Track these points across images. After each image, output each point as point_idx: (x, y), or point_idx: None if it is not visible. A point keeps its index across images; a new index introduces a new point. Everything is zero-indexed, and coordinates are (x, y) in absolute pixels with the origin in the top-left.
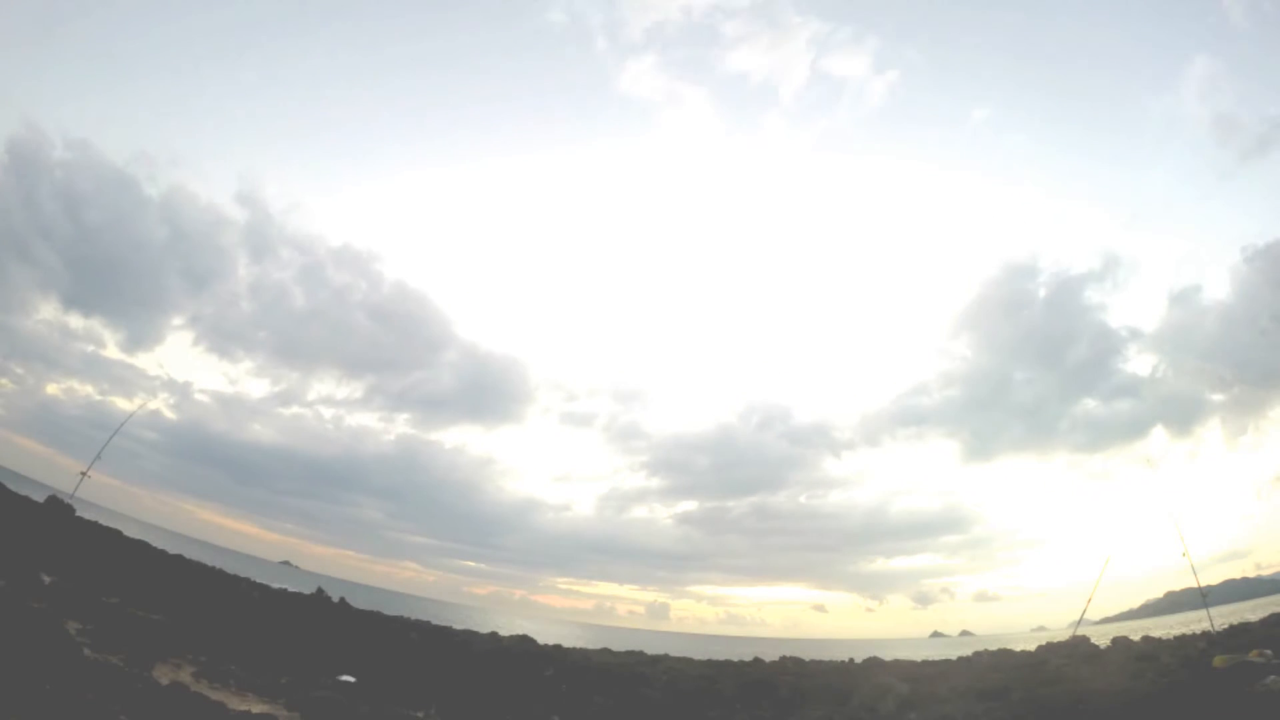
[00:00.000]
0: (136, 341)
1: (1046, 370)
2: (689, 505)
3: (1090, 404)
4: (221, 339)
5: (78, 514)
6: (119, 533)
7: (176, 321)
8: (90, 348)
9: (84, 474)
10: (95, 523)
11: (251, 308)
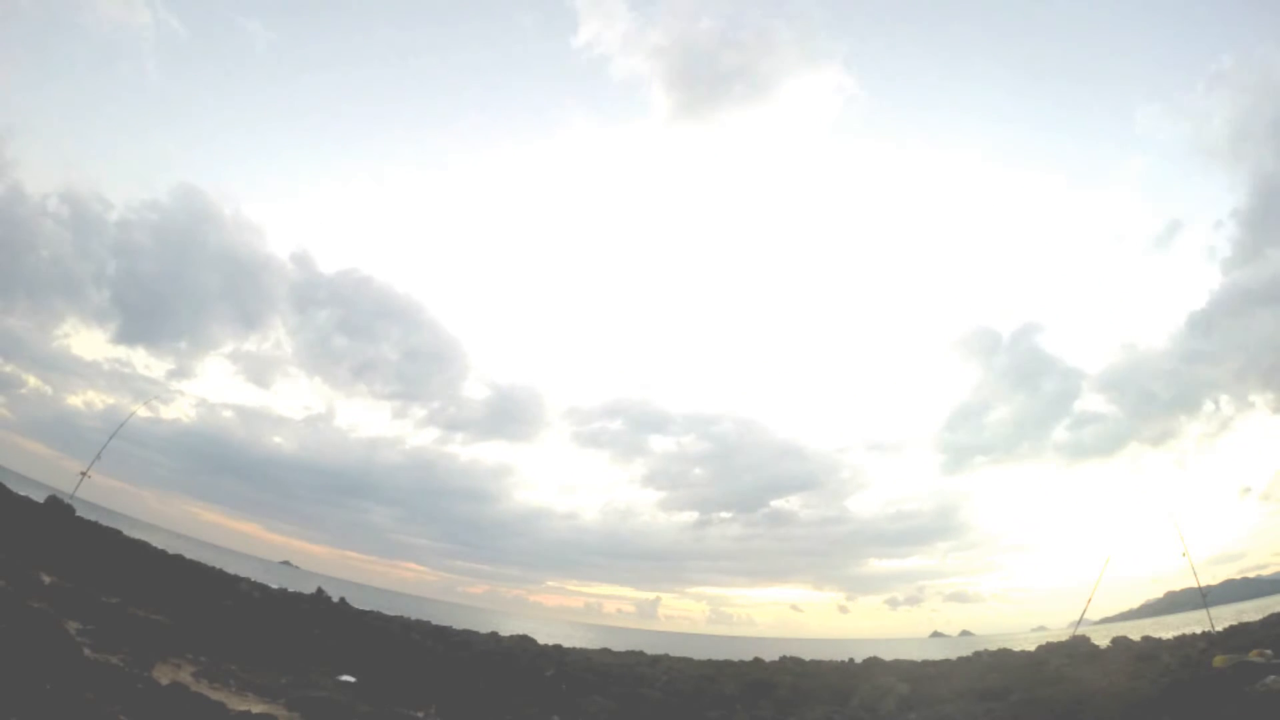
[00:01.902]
0: (178, 373)
1: (1026, 398)
2: (684, 514)
3: (1064, 425)
4: (260, 371)
5: (79, 514)
6: (119, 533)
7: (218, 354)
8: (118, 366)
9: (84, 474)
10: (95, 523)
11: (293, 345)
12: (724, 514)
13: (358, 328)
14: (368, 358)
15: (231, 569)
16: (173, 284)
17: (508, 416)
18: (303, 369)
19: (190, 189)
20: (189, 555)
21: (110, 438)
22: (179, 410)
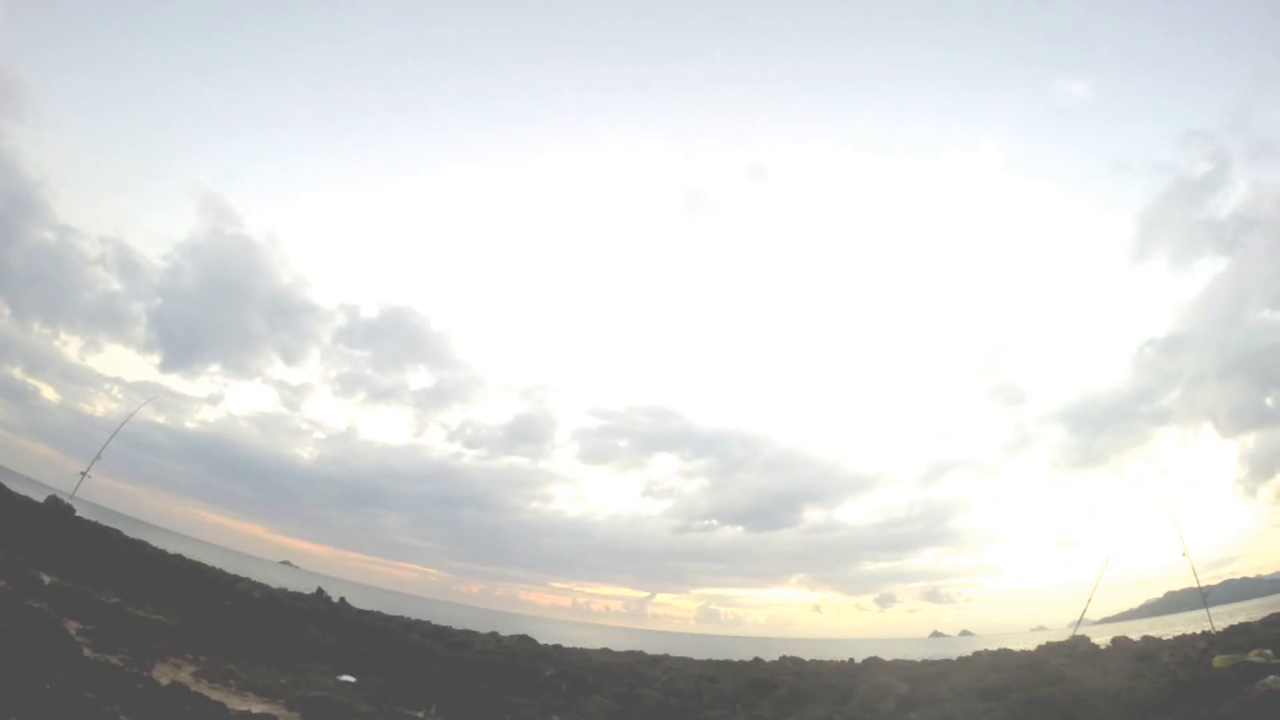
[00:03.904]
0: (211, 399)
1: (1005, 418)
2: (681, 521)
3: (1043, 442)
4: (288, 394)
5: (81, 515)
6: (119, 532)
7: (252, 381)
8: (142, 383)
9: (83, 474)
10: (95, 523)
11: (323, 374)
12: (718, 521)
13: (389, 364)
14: (394, 385)
15: (232, 569)
16: (212, 323)
17: (523, 436)
18: (331, 392)
19: (245, 241)
20: (190, 556)
21: (110, 437)
22: (197, 420)
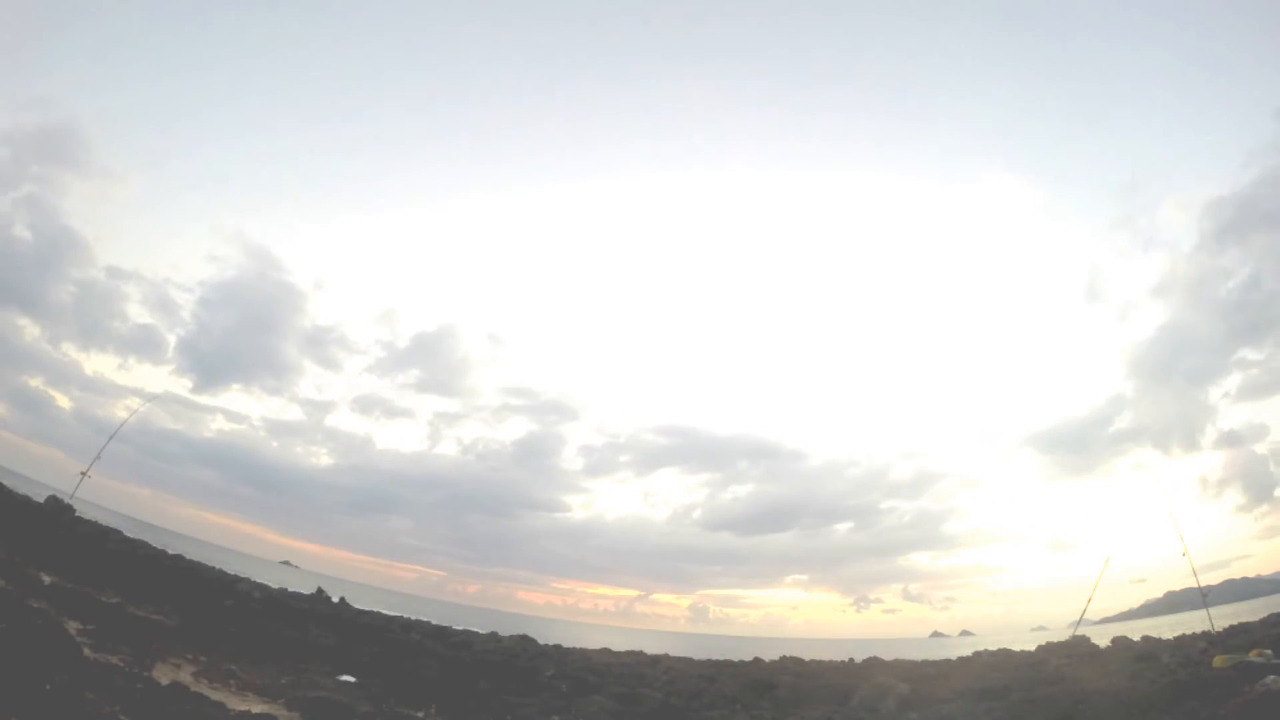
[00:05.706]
0: (233, 416)
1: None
2: (680, 526)
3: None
4: (308, 408)
5: (82, 515)
6: (119, 532)
7: (274, 398)
8: (159, 389)
9: (84, 474)
10: (95, 522)
11: (343, 393)
12: (716, 526)
13: (412, 389)
14: (413, 406)
15: (232, 569)
16: (246, 357)
17: (532, 452)
18: (350, 410)
19: (288, 287)
20: (190, 556)
21: (110, 438)
22: (214, 429)
